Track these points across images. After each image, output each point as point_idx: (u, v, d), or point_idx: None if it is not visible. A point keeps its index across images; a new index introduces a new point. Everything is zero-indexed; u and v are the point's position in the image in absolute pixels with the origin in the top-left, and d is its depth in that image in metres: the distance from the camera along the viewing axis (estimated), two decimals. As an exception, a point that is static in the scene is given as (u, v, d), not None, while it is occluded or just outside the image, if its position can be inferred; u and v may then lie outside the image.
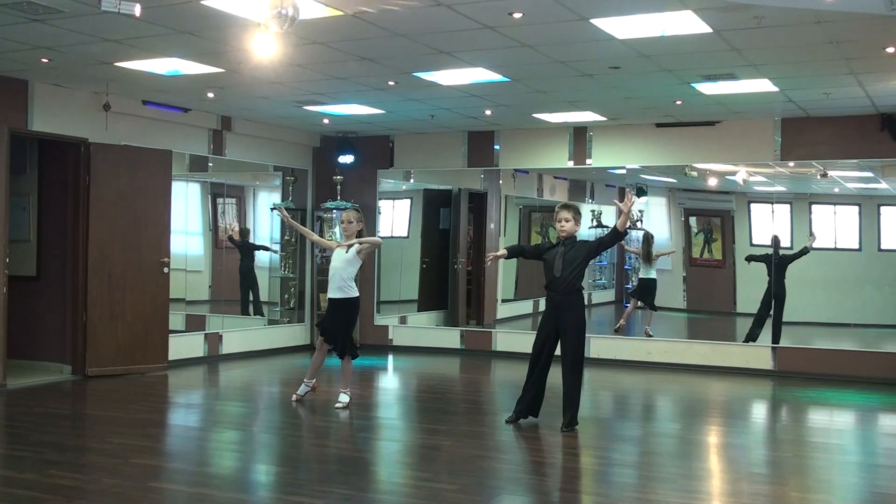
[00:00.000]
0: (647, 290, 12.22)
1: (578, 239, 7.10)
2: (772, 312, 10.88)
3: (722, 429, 7.74)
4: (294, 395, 8.10)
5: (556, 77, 8.25)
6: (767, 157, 10.53)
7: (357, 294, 7.91)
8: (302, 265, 12.38)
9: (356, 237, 7.81)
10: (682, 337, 12.02)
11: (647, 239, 12.29)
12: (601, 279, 14.33)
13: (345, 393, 7.89)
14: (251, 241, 12.54)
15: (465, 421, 7.81)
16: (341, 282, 7.78)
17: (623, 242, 12.57)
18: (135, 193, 9.67)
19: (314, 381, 8.14)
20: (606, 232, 7.20)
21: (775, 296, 10.86)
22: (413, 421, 8.06)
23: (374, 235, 12.21)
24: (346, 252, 7.74)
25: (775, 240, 11.20)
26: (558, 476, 6.06)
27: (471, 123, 11.20)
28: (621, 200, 6.87)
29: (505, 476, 5.90)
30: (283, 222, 12.29)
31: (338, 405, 7.80)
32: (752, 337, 10.87)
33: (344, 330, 7.87)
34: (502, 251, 7.44)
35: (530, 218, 14.14)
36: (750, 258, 11.59)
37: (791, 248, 11.52)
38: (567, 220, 7.01)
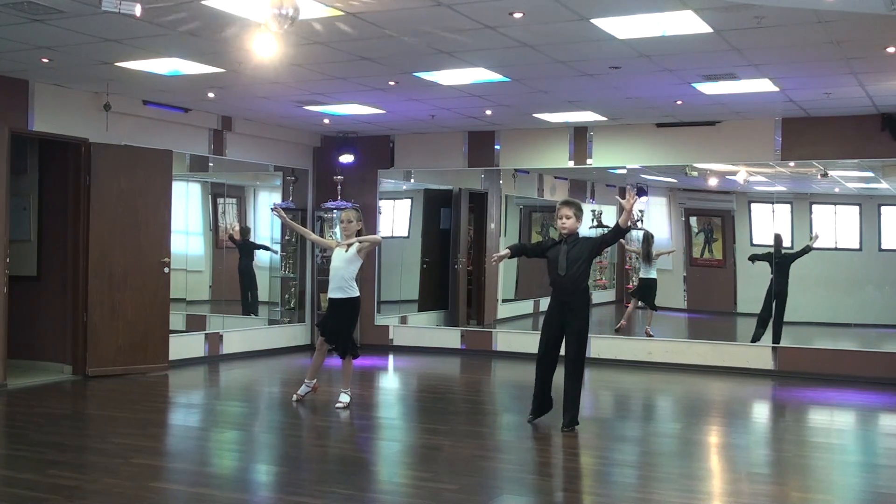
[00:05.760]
0: (647, 290, 12.21)
1: (581, 236, 7.04)
2: (773, 312, 10.89)
3: (722, 429, 7.74)
4: (294, 396, 8.10)
5: (557, 77, 8.25)
6: (767, 157, 10.53)
7: (358, 294, 7.90)
8: (302, 265, 12.39)
9: (355, 236, 7.82)
10: (682, 337, 12.01)
11: (647, 238, 12.29)
12: (601, 278, 14.32)
13: (345, 393, 7.89)
14: (251, 240, 12.55)
15: (465, 421, 7.80)
16: (342, 281, 7.76)
17: (623, 242, 12.59)
18: (135, 193, 9.67)
19: (315, 381, 8.14)
20: (608, 230, 7.13)
21: (777, 294, 10.86)
22: (413, 421, 8.06)
23: (374, 234, 12.26)
24: (346, 251, 7.74)
25: (778, 238, 11.19)
26: (558, 476, 6.06)
27: (471, 123, 11.20)
28: (623, 199, 6.83)
29: (505, 476, 5.90)
30: (283, 222, 12.37)
31: (338, 405, 7.80)
32: (756, 337, 10.86)
33: (345, 330, 7.87)
34: (505, 251, 7.32)
35: (531, 218, 14.14)
36: (753, 258, 11.57)
37: (791, 247, 11.51)
38: (568, 217, 6.94)
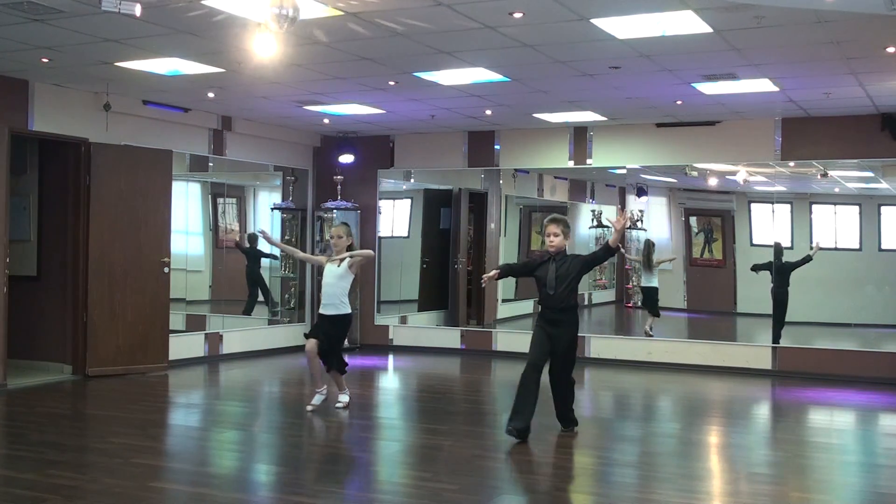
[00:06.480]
0: (649, 300, 12.18)
1: (570, 253, 6.86)
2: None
3: (722, 429, 7.75)
4: (309, 406, 7.70)
5: (556, 77, 8.25)
6: (767, 157, 10.53)
7: (349, 310, 7.67)
8: (302, 265, 12.38)
9: (346, 251, 7.59)
10: (682, 337, 12.02)
11: (649, 246, 12.26)
12: (601, 278, 14.31)
13: (344, 393, 7.88)
14: (258, 247, 12.47)
15: (465, 421, 7.81)
16: (334, 298, 7.54)
17: (623, 251, 12.64)
18: (135, 193, 9.67)
19: (325, 386, 7.76)
20: (599, 248, 6.95)
21: (778, 301, 10.86)
22: (413, 421, 8.06)
23: (376, 235, 12.27)
24: (338, 266, 7.54)
25: (777, 247, 11.17)
26: (558, 476, 6.06)
27: (471, 123, 11.20)
28: (622, 201, 6.79)
29: (505, 476, 5.90)
30: (283, 222, 12.38)
31: (338, 405, 7.78)
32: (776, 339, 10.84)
33: (336, 346, 7.67)
34: (494, 272, 7.12)
35: (531, 218, 14.14)
36: (755, 267, 11.52)
37: (791, 247, 11.50)
38: (556, 235, 6.73)
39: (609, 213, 13.64)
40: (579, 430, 6.95)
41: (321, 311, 7.68)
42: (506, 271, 7.33)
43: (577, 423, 6.97)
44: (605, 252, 6.82)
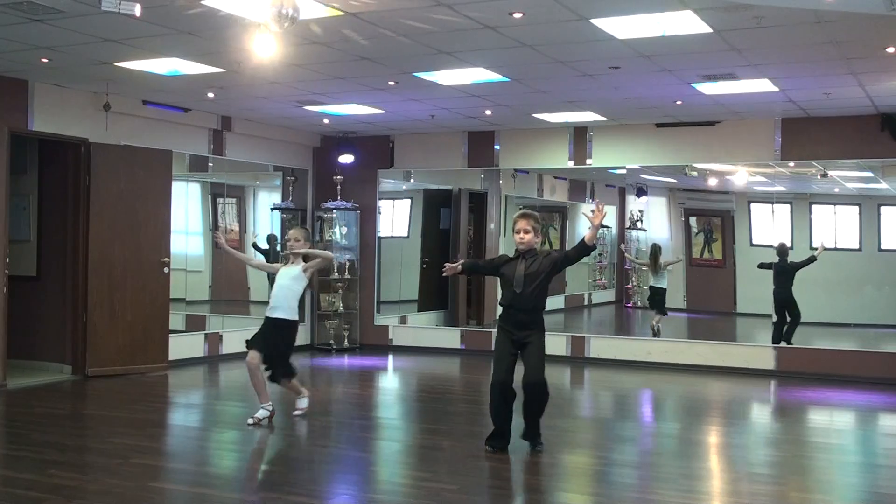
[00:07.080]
0: (657, 300, 12.19)
1: (540, 251, 6.46)
2: (775, 318, 10.93)
3: (722, 429, 7.75)
4: (251, 419, 7.17)
5: (556, 77, 8.25)
6: (767, 157, 10.54)
7: (297, 318, 7.23)
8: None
9: (302, 259, 7.22)
10: (682, 337, 12.02)
11: (655, 251, 12.27)
12: (601, 279, 14.30)
13: (302, 398, 7.44)
14: (277, 248, 12.43)
15: (465, 421, 7.81)
16: (285, 301, 7.11)
17: (625, 253, 12.61)
18: (135, 193, 9.67)
19: (271, 402, 7.25)
20: (573, 247, 6.58)
21: (784, 302, 10.86)
22: (413, 421, 8.06)
23: (376, 235, 12.25)
24: (290, 264, 7.22)
25: (782, 247, 11.17)
26: (558, 476, 6.06)
27: (471, 123, 11.20)
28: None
29: (505, 476, 5.90)
30: (282, 222, 12.37)
31: (296, 412, 7.35)
32: (776, 340, 10.85)
33: (284, 354, 7.25)
34: (458, 265, 6.72)
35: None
36: (763, 265, 11.52)
37: (791, 247, 11.51)
38: (527, 232, 6.29)
39: (609, 214, 13.63)
40: (580, 430, 6.94)
41: (268, 313, 7.19)
42: (469, 267, 6.96)
43: (543, 446, 6.41)
44: (580, 251, 6.30)
